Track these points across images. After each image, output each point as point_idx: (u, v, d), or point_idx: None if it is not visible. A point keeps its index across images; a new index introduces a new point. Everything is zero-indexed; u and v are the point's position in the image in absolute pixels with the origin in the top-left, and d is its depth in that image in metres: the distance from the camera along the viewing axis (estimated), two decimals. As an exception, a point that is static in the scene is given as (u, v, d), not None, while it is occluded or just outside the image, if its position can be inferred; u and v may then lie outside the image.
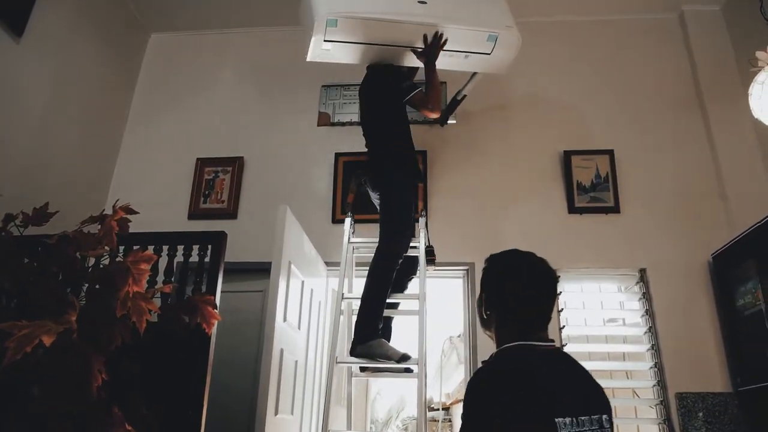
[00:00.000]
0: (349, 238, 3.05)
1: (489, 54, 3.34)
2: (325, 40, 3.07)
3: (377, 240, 3.11)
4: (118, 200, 1.89)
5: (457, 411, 5.45)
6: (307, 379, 3.15)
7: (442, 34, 3.12)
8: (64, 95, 3.65)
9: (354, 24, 3.03)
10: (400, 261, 2.83)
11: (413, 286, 3.09)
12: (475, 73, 3.64)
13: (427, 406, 6.32)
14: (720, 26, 4.23)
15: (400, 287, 3.01)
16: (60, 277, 1.67)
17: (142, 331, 1.67)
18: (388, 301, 2.77)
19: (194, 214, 3.92)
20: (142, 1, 4.34)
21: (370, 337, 2.62)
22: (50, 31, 3.48)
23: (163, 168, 4.09)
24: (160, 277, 2.29)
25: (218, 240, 2.49)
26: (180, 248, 2.44)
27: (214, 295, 2.29)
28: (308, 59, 3.25)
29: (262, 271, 3.57)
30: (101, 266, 1.83)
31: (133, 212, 1.85)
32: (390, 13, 3.08)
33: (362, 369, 2.90)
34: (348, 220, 3.12)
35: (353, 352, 2.64)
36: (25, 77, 3.31)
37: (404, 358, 2.57)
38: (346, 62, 3.35)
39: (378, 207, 3.11)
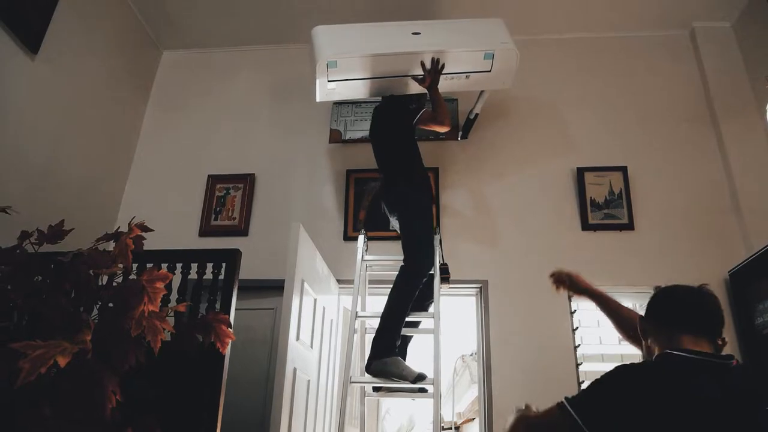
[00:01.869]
0: (362, 256, 3.02)
1: (490, 71, 3.40)
2: (329, 81, 3.29)
3: (391, 258, 3.11)
4: (134, 218, 1.88)
5: (471, 428, 5.37)
6: (319, 399, 3.11)
7: (438, 60, 3.24)
8: (77, 112, 3.67)
9: (354, 62, 3.23)
10: (424, 280, 2.81)
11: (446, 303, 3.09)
12: (482, 92, 3.70)
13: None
14: (731, 42, 4.22)
15: (420, 309, 2.97)
16: (72, 295, 1.65)
17: (157, 350, 1.64)
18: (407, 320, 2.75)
19: (205, 231, 3.91)
20: (155, 19, 4.38)
21: (386, 354, 2.59)
22: (65, 48, 3.51)
23: (174, 185, 4.09)
24: (174, 295, 2.26)
25: (233, 257, 2.46)
26: (193, 266, 2.42)
27: (228, 314, 2.26)
28: (318, 100, 3.49)
29: (273, 288, 3.57)
30: (115, 284, 1.81)
31: (148, 230, 1.83)
32: (386, 47, 3.26)
33: (376, 389, 2.86)
34: (361, 238, 3.11)
35: (369, 369, 2.61)
36: (39, 94, 3.32)
37: (420, 378, 2.54)
38: (353, 98, 3.64)
39: (397, 228, 3.12)
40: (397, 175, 3.08)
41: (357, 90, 3.44)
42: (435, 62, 3.23)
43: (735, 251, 3.55)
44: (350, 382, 2.61)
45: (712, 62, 4.15)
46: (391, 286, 2.83)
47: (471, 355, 4.58)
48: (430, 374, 2.63)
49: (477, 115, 3.87)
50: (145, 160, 4.27)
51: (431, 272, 2.96)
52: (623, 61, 4.31)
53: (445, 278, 2.94)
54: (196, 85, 4.54)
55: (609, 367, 3.35)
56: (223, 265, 2.42)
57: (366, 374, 2.66)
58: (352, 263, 3.63)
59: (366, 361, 2.67)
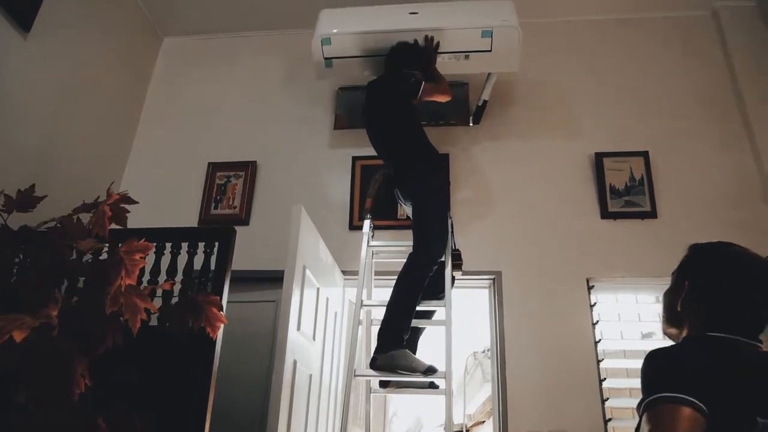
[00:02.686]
0: (368, 242, 2.83)
1: (490, 51, 3.27)
2: (324, 58, 3.34)
3: (400, 244, 2.93)
4: (113, 183, 1.71)
5: (479, 433, 5.15)
6: (322, 395, 2.91)
7: (433, 38, 3.21)
8: (72, 96, 3.51)
9: (348, 39, 3.29)
10: (435, 267, 2.62)
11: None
12: (489, 76, 3.56)
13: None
14: (755, 22, 4.00)
15: (432, 298, 2.77)
16: (45, 270, 1.47)
17: (136, 331, 1.46)
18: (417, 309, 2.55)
19: (205, 219, 3.74)
20: (154, 5, 4.23)
21: (394, 347, 2.39)
22: (59, 29, 3.36)
23: (173, 172, 3.91)
24: (162, 278, 2.08)
25: (226, 237, 2.28)
26: (184, 248, 2.23)
27: (221, 296, 2.08)
28: (316, 79, 3.59)
29: (274, 280, 3.37)
30: (90, 258, 1.63)
31: (131, 201, 1.65)
32: (378, 26, 3.26)
33: (383, 384, 2.66)
34: (367, 222, 2.93)
35: (374, 364, 2.41)
36: (32, 75, 3.17)
37: (430, 370, 2.34)
38: (351, 75, 3.59)
39: (409, 213, 2.93)
40: (411, 156, 2.87)
41: (355, 68, 3.44)
42: (429, 39, 3.20)
43: (765, 242, 3.34)
44: (354, 376, 2.42)
45: (736, 43, 3.93)
46: (398, 276, 2.63)
47: (483, 351, 4.37)
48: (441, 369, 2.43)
49: (486, 102, 3.71)
50: (144, 148, 4.11)
51: (442, 260, 2.77)
52: (642, 42, 4.10)
53: (458, 265, 2.74)
54: (197, 71, 4.38)
55: (632, 364, 3.17)
56: (216, 244, 2.23)
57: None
58: (358, 253, 3.43)
59: (372, 356, 2.46)
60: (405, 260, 2.67)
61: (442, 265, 2.75)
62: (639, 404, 1.18)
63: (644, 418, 1.15)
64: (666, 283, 3.35)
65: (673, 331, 1.43)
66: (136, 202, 1.68)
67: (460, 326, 3.51)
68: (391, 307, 2.51)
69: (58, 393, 1.25)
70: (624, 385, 3.25)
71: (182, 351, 1.91)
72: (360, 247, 3.46)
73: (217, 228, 2.27)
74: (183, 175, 3.92)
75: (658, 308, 3.40)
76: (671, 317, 1.43)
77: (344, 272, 3.43)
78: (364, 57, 3.35)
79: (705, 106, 3.82)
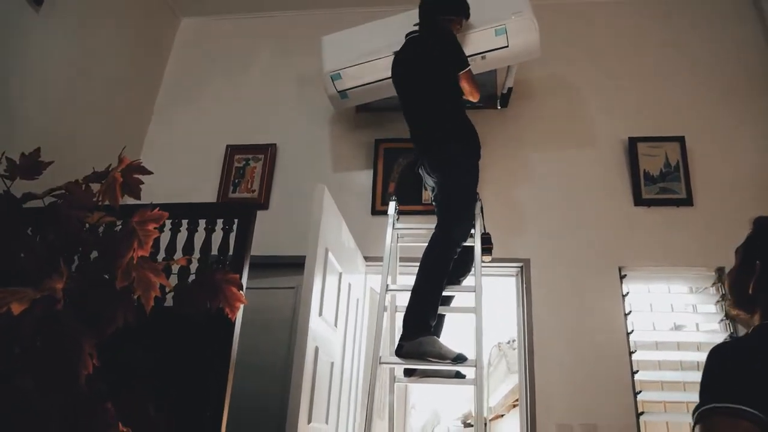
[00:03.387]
0: (394, 224, 2.70)
1: (507, 47, 3.15)
2: (338, 92, 3.32)
3: (425, 227, 2.79)
4: (125, 147, 1.59)
5: (498, 427, 5.01)
6: (343, 384, 2.80)
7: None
8: (87, 74, 3.42)
9: (357, 70, 3.23)
10: (458, 250, 2.49)
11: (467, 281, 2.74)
12: (509, 66, 3.43)
13: (466, 420, 5.90)
14: (799, 1, 3.81)
15: (453, 283, 2.64)
16: (51, 243, 1.36)
17: (149, 308, 1.35)
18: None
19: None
20: (172, -16, 4.14)
21: (421, 333, 2.26)
22: (71, 4, 3.26)
23: (190, 154, 3.81)
24: (178, 255, 1.98)
25: (247, 214, 2.16)
26: (202, 225, 2.12)
27: (240, 275, 1.96)
28: (335, 109, 3.63)
29: (294, 266, 3.25)
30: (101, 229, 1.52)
31: (145, 171, 1.53)
32: (384, 49, 3.14)
33: (408, 373, 2.54)
34: (392, 205, 2.79)
35: (400, 352, 2.28)
36: (45, 51, 3.08)
37: (460, 358, 2.21)
38: (370, 101, 3.52)
39: (435, 190, 2.79)
40: (446, 127, 2.69)
41: (373, 93, 3.38)
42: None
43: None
44: (380, 363, 2.29)
45: (776, 23, 3.75)
46: (422, 258, 2.50)
47: (508, 342, 4.22)
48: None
49: (510, 88, 3.57)
50: (161, 129, 4.01)
51: (466, 244, 2.63)
52: (677, 24, 3.92)
53: (487, 249, 2.62)
54: (216, 52, 4.28)
55: (664, 357, 3.01)
56: (236, 222, 2.12)
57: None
58: (381, 239, 3.33)
59: (396, 344, 2.33)
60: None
61: (465, 249, 2.62)
62: (693, 410, 1.05)
63: (697, 430, 1.01)
64: (702, 272, 3.25)
65: (742, 314, 1.27)
66: (150, 173, 1.57)
67: (485, 315, 3.36)
68: (416, 291, 2.39)
69: (63, 375, 1.14)
70: (656, 378, 3.10)
71: (199, 333, 1.81)
72: (383, 232, 3.36)
73: (237, 204, 2.14)
74: (200, 157, 3.82)
75: (692, 299, 3.29)
76: (740, 300, 1.28)
77: (366, 258, 3.32)
78: (379, 81, 3.26)
79: (743, 89, 3.64)
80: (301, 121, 3.91)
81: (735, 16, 3.89)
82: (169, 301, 1.73)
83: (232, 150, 3.78)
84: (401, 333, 2.33)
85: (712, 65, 3.73)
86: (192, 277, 1.75)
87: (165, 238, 1.92)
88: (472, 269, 2.80)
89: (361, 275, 3.27)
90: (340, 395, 2.74)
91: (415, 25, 2.98)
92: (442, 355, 2.21)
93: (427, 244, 2.53)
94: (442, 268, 2.42)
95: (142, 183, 1.55)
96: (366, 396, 3.37)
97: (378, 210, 3.51)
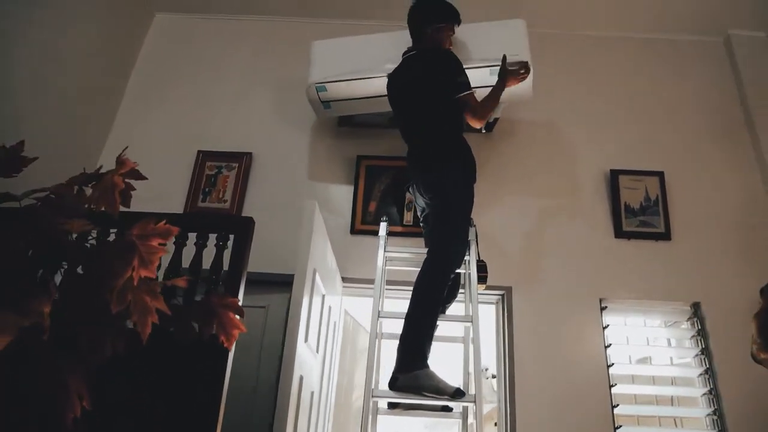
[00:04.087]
0: (385, 246, 2.56)
1: None
2: (322, 102, 3.25)
3: (415, 251, 2.67)
4: (126, 148, 1.40)
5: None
6: (320, 415, 2.62)
7: (528, 66, 2.88)
8: (49, 64, 3.14)
9: (344, 85, 3.14)
10: (452, 276, 2.37)
11: (456, 308, 2.63)
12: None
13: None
14: (766, 52, 3.97)
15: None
16: (34, 255, 1.15)
17: (146, 337, 1.16)
18: None
19: (191, 212, 3.39)
20: (146, -23, 3.91)
21: (418, 366, 2.11)
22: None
23: (157, 159, 3.52)
24: (161, 275, 1.77)
25: (244, 228, 1.97)
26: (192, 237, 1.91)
27: (236, 297, 1.77)
28: (317, 117, 3.52)
29: (266, 284, 3.12)
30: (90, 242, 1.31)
31: (140, 176, 1.34)
32: (379, 67, 3.03)
33: (392, 405, 2.38)
34: (384, 225, 2.65)
35: (394, 384, 2.13)
36: (9, 37, 2.81)
37: (459, 393, 2.07)
38: (353, 114, 3.42)
39: (425, 212, 2.69)
40: (444, 148, 2.58)
41: (358, 107, 3.31)
42: (526, 66, 2.87)
43: (779, 269, 3.23)
44: (372, 396, 2.13)
45: (748, 72, 3.90)
46: (415, 284, 2.36)
47: (484, 370, 4.12)
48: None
49: (497, 119, 3.51)
50: (127, 129, 3.74)
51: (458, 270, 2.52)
52: (656, 63, 4.01)
53: (483, 277, 2.51)
54: (191, 52, 4.05)
55: (639, 390, 2.98)
56: (231, 237, 1.93)
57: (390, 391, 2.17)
58: (359, 260, 3.23)
59: (391, 376, 2.17)
60: (419, 268, 2.40)
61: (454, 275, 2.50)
62: None
63: None
64: (679, 307, 3.24)
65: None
66: (145, 178, 1.38)
67: (456, 346, 3.24)
68: (411, 319, 2.24)
69: (49, 419, 0.94)
70: (635, 413, 3.07)
71: (187, 363, 1.60)
72: (362, 252, 3.24)
73: (234, 217, 1.96)
74: (168, 162, 3.57)
75: (668, 332, 3.29)
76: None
77: (344, 279, 3.16)
78: (366, 98, 3.21)
79: (717, 131, 3.75)
80: (279, 131, 3.73)
81: (707, 56, 4.03)
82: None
83: (203, 156, 3.56)
84: (395, 365, 2.17)
85: (689, 103, 3.82)
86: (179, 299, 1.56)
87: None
88: (458, 296, 2.71)
89: (338, 297, 3.11)
90: (317, 426, 2.56)
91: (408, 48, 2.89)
92: (441, 390, 2.07)
93: (420, 269, 2.39)
94: (436, 295, 2.29)
95: (134, 189, 1.36)
96: (339, 421, 3.21)
97: (358, 229, 3.37)
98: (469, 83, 2.65)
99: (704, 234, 3.39)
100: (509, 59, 2.81)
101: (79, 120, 3.42)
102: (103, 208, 1.20)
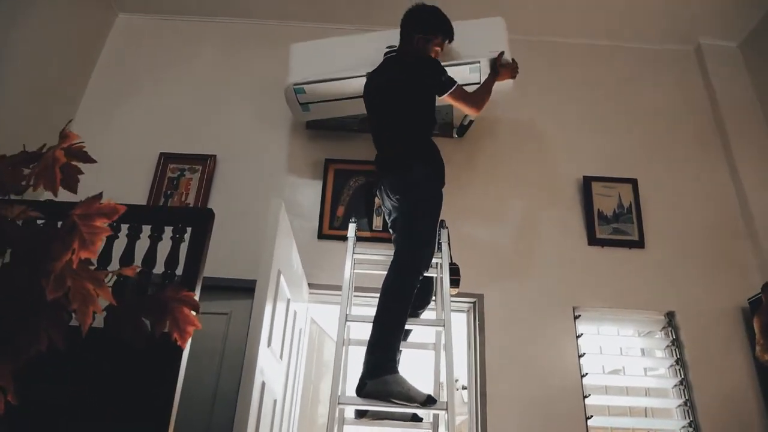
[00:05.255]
0: (353, 249, 2.46)
1: (479, 84, 3.02)
2: (300, 104, 3.18)
3: (384, 253, 2.58)
4: (70, 121, 1.28)
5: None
6: (283, 427, 2.48)
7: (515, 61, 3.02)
8: (1, 62, 2.98)
9: (323, 87, 3.08)
10: (421, 279, 2.28)
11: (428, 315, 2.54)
12: None
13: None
14: (738, 62, 4.04)
15: (411, 315, 2.41)
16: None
17: (86, 328, 1.03)
18: None
19: (152, 216, 3.25)
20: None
21: (386, 371, 2.01)
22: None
23: (117, 159, 3.37)
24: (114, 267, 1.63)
25: (202, 221, 1.84)
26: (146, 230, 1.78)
27: (194, 292, 1.64)
28: (294, 118, 3.45)
29: (228, 289, 3.01)
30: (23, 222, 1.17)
31: (87, 159, 1.22)
32: (359, 68, 2.97)
33: (359, 414, 2.27)
34: (352, 227, 2.55)
35: (361, 391, 2.02)
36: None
37: (430, 400, 1.97)
38: (336, 116, 3.34)
39: (393, 215, 2.61)
40: (413, 149, 2.51)
41: (337, 109, 3.25)
42: (514, 62, 3.02)
43: (750, 277, 3.25)
44: (338, 404, 2.01)
45: (719, 80, 3.93)
46: (383, 286, 2.27)
47: (455, 381, 4.01)
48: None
49: (472, 121, 3.47)
50: (85, 129, 3.51)
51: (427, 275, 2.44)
52: (628, 71, 4.02)
53: (456, 281, 2.43)
54: (155, 54, 3.92)
55: (614, 402, 2.94)
56: (189, 230, 1.80)
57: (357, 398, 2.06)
58: (326, 266, 3.13)
59: (358, 382, 2.06)
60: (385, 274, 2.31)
61: (425, 278, 2.43)
62: None
63: None
64: (652, 316, 3.21)
65: None
66: (93, 161, 1.26)
67: (426, 354, 3.14)
68: (379, 324, 2.14)
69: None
70: (609, 424, 3.00)
71: (136, 362, 1.47)
72: (330, 258, 3.14)
73: (192, 209, 1.84)
74: (129, 164, 3.42)
75: (642, 342, 3.25)
76: None
77: (310, 286, 3.05)
78: (344, 99, 3.14)
79: (689, 139, 3.75)
80: (244, 134, 3.61)
81: (679, 65, 4.06)
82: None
83: (165, 158, 3.42)
84: (363, 369, 2.06)
85: (660, 114, 3.82)
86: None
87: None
88: (431, 301, 2.63)
89: (304, 303, 2.99)
90: (280, 438, 2.43)
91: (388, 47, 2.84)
92: (411, 397, 1.96)
93: (386, 272, 2.30)
94: (405, 299, 2.20)
95: (81, 173, 1.24)
96: (303, 438, 3.07)
97: (325, 234, 3.26)
98: (453, 79, 2.65)
99: (678, 242, 3.37)
100: (490, 56, 2.84)
101: (34, 121, 3.24)
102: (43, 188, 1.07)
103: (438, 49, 2.79)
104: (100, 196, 1.15)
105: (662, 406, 3.08)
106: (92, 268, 1.22)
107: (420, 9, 2.80)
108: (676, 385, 3.03)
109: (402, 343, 2.36)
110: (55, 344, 1.03)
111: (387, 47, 2.86)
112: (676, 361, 3.07)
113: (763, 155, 3.63)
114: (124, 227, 1.79)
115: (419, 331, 2.55)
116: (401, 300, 2.19)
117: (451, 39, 2.83)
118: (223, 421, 2.63)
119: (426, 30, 2.75)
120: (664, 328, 3.20)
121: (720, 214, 3.48)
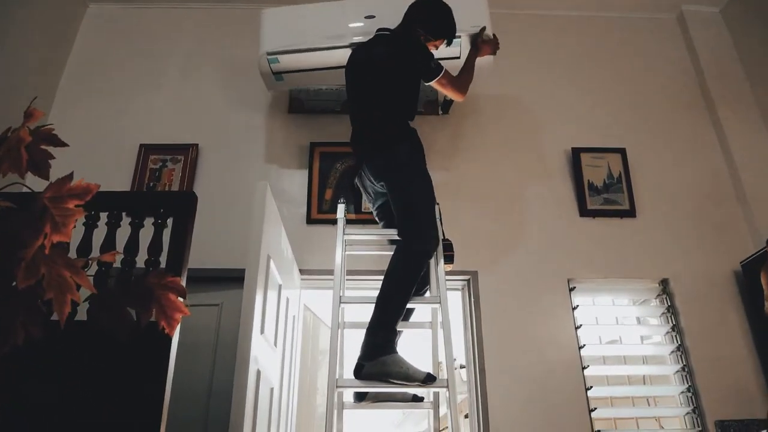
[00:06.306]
0: (344, 230, 2.40)
1: (459, 58, 2.98)
2: (274, 73, 3.08)
3: (377, 233, 2.52)
4: (35, 98, 1.21)
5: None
6: (282, 413, 2.44)
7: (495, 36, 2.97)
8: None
9: (297, 56, 2.98)
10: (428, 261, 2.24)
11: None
12: None
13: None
14: (721, 28, 4.02)
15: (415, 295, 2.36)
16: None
17: (64, 319, 0.98)
18: None
19: (135, 209, 3.16)
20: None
21: (385, 352, 1.96)
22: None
23: (96, 154, 3.28)
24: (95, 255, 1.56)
25: (185, 205, 1.78)
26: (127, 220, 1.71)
27: (180, 278, 1.58)
28: (267, 89, 3.32)
29: (218, 280, 2.96)
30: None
31: (58, 142, 1.15)
32: (332, 37, 2.92)
33: (359, 397, 2.22)
34: (341, 207, 2.48)
35: (359, 373, 1.97)
36: None
37: (430, 378, 1.93)
38: (310, 87, 3.30)
39: (381, 200, 2.56)
40: (394, 130, 2.44)
41: (313, 79, 3.16)
42: (495, 38, 2.98)
43: (742, 241, 3.26)
44: (336, 387, 1.97)
45: (703, 47, 3.91)
46: (388, 268, 2.22)
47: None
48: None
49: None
50: (62, 123, 3.42)
51: None
52: (612, 41, 3.99)
53: (449, 256, 2.39)
54: (128, 43, 3.80)
55: (611, 371, 2.92)
56: (171, 219, 1.73)
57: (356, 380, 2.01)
58: (317, 251, 3.08)
59: (356, 363, 2.02)
60: (378, 254, 2.27)
61: None
62: None
63: None
64: (648, 284, 3.20)
65: None
66: (65, 145, 1.19)
67: (423, 333, 3.11)
68: (381, 305, 2.10)
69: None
70: (608, 394, 3.00)
71: (125, 356, 1.41)
72: (320, 243, 3.09)
73: (174, 193, 1.78)
74: (108, 157, 3.32)
75: (637, 311, 3.24)
76: None
77: (302, 272, 3.00)
78: (323, 70, 3.05)
79: (675, 106, 3.74)
80: (226, 121, 3.53)
81: (662, 33, 4.04)
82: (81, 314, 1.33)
83: (146, 150, 3.33)
84: (361, 351, 2.02)
85: (646, 84, 3.80)
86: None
87: (77, 235, 1.49)
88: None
89: (297, 290, 2.94)
90: (279, 426, 2.38)
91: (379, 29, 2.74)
92: (410, 377, 1.92)
93: (377, 255, 2.26)
94: (411, 281, 2.16)
95: (53, 158, 1.17)
96: (302, 426, 3.03)
97: (314, 219, 3.20)
98: (441, 64, 2.58)
99: (669, 210, 3.36)
100: (471, 32, 2.80)
101: (5, 117, 3.13)
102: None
103: (433, 48, 2.68)
104: (71, 176, 1.08)
105: (660, 373, 3.08)
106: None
107: (434, 6, 2.65)
108: (673, 352, 3.04)
109: (402, 323, 2.31)
110: (34, 338, 0.97)
111: (378, 29, 2.71)
112: (672, 328, 3.07)
113: (749, 118, 3.62)
114: (104, 217, 1.71)
115: (415, 312, 2.50)
116: (406, 284, 2.16)
117: (449, 43, 2.72)
118: (220, 414, 2.58)
119: (432, 32, 2.63)
120: (658, 295, 3.20)
121: (709, 179, 3.48)
